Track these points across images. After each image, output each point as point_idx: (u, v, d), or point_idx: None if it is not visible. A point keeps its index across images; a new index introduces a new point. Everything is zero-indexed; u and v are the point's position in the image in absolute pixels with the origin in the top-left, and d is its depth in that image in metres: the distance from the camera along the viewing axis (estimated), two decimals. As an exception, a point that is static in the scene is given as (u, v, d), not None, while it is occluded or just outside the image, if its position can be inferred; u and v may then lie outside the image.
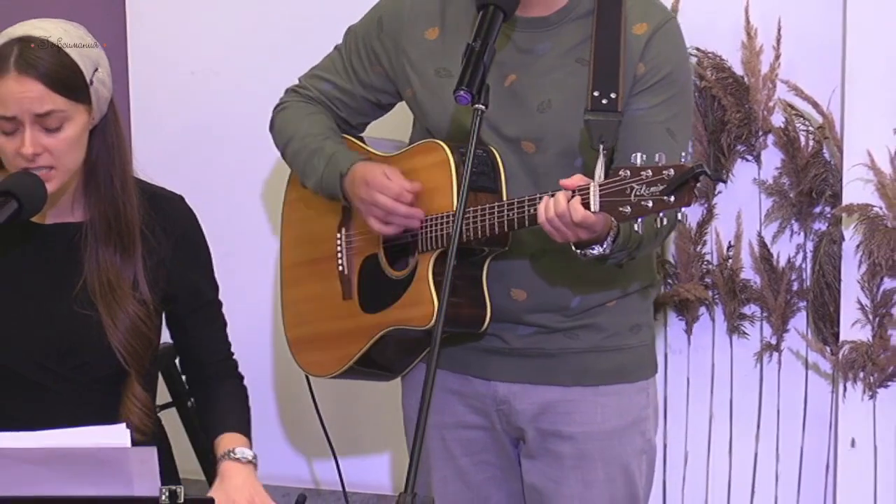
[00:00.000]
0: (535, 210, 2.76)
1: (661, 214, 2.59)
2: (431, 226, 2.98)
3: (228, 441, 2.94)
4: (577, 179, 2.69)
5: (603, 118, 2.86)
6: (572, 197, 2.67)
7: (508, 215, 2.84)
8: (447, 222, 2.95)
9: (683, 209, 2.57)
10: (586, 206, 2.66)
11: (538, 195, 2.78)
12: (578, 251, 2.77)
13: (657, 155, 2.59)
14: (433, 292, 2.97)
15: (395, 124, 3.23)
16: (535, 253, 3.00)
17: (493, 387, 3.11)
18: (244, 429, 3.00)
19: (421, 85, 3.07)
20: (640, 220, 2.61)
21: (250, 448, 2.96)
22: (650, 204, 2.57)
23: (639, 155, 2.60)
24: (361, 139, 3.20)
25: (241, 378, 3.12)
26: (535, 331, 3.07)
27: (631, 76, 2.94)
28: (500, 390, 3.10)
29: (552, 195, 2.72)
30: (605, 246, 2.76)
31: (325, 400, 3.45)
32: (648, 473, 3.16)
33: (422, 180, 3.02)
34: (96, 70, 2.84)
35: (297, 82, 3.22)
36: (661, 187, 2.55)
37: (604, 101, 2.89)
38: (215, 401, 3.05)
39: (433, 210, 2.99)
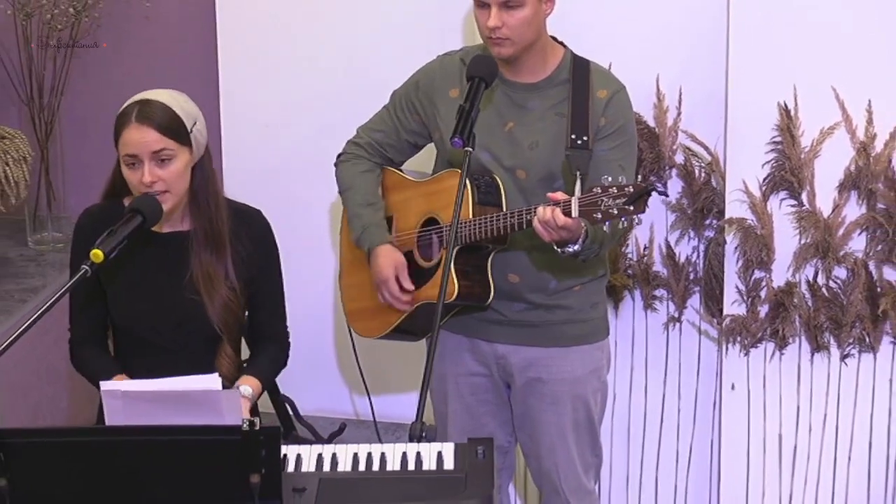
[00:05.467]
0: (529, 218, 2.80)
1: (623, 219, 2.65)
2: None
3: (241, 380, 2.93)
4: (561, 195, 2.74)
5: (578, 154, 2.89)
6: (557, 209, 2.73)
7: (510, 221, 2.88)
8: (462, 227, 2.96)
9: (638, 216, 2.67)
10: (567, 214, 2.70)
11: (532, 207, 2.81)
12: (559, 250, 2.79)
13: (619, 177, 2.66)
14: (454, 276, 2.96)
15: (422, 160, 3.25)
16: (526, 249, 3.03)
17: (493, 347, 3.13)
18: (260, 376, 2.95)
19: (446, 131, 3.05)
20: (607, 223, 2.68)
21: (253, 388, 2.91)
22: (615, 211, 2.63)
23: (607, 178, 2.66)
24: (401, 170, 3.21)
25: (286, 346, 3.07)
26: (525, 307, 3.08)
27: (595, 126, 2.97)
28: (499, 349, 3.13)
29: (543, 206, 2.76)
30: (578, 245, 2.78)
31: (366, 351, 3.40)
32: (602, 404, 3.21)
33: (445, 198, 3.02)
34: (195, 123, 2.84)
35: (355, 133, 3.21)
36: (623, 199, 2.62)
37: (579, 142, 2.93)
38: (254, 355, 3.04)
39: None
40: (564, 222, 2.70)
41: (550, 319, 3.09)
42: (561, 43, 3.06)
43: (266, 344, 3.04)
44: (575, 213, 2.68)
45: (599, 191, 2.64)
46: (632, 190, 2.60)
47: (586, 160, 2.87)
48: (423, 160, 3.27)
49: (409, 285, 3.07)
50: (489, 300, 3.02)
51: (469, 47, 3.15)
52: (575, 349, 3.11)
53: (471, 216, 2.95)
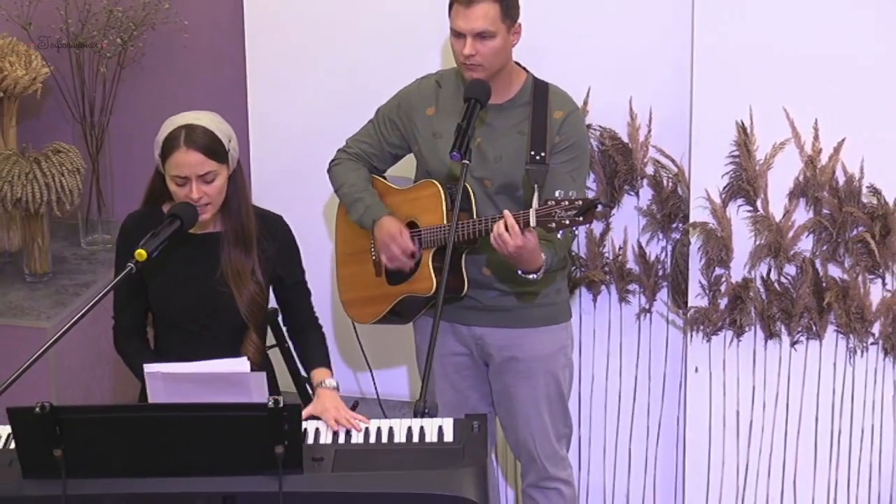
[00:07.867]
0: (491, 224, 2.83)
1: (574, 228, 2.73)
2: (429, 233, 3.02)
3: (319, 374, 2.89)
4: (516, 214, 2.77)
5: (537, 168, 2.91)
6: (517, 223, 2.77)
7: (478, 227, 2.93)
8: (438, 230, 3.00)
9: (588, 225, 2.77)
10: (526, 224, 2.74)
11: (495, 216, 2.85)
12: (521, 273, 2.86)
13: (570, 192, 2.71)
14: (432, 273, 3.02)
15: (404, 167, 3.25)
16: (494, 249, 3.03)
17: (472, 329, 3.17)
18: (327, 363, 2.94)
19: (423, 144, 3.10)
20: (561, 231, 2.72)
21: (332, 377, 2.88)
22: (567, 221, 2.69)
23: (560, 191, 2.72)
24: (385, 177, 3.22)
25: (321, 328, 3.06)
26: (498, 294, 3.12)
27: (552, 143, 3.00)
28: (476, 332, 3.16)
29: (498, 223, 2.78)
30: (538, 274, 2.88)
31: (365, 334, 3.41)
32: (570, 378, 3.24)
33: (422, 204, 3.05)
34: (230, 140, 2.83)
35: (345, 143, 3.22)
36: (574, 211, 2.68)
37: (537, 158, 2.97)
38: (308, 345, 2.99)
39: (430, 223, 3.04)
40: (518, 243, 2.74)
41: (520, 304, 3.11)
42: (524, 68, 3.07)
43: (308, 334, 3.00)
44: (533, 222, 2.72)
45: (553, 203, 2.69)
46: (581, 203, 2.67)
47: (543, 174, 2.89)
48: (408, 167, 3.28)
49: (412, 245, 3.04)
50: (464, 292, 3.04)
51: (444, 70, 3.16)
52: (543, 329, 3.13)
53: (445, 221, 2.99)
